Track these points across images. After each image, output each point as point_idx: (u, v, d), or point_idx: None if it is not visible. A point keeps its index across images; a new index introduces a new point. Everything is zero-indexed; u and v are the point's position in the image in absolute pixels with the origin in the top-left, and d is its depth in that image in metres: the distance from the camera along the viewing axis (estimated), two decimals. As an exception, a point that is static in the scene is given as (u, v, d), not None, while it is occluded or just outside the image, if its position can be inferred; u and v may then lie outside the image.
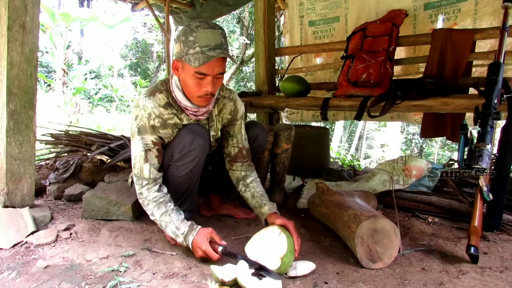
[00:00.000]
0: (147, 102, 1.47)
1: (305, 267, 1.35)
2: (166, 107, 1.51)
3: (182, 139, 1.51)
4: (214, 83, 1.42)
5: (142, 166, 1.49)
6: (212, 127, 1.68)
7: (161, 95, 1.50)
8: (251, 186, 1.69)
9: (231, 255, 1.39)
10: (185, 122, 1.57)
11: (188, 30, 1.38)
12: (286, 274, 1.34)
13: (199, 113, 1.56)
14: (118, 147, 2.55)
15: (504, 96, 1.67)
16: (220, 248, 1.40)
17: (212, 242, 1.42)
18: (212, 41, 1.36)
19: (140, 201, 1.53)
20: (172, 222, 1.45)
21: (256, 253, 1.37)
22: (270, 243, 1.38)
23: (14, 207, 1.71)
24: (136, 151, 1.50)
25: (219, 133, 1.74)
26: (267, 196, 1.67)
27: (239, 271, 1.21)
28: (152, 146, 1.50)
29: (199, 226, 1.45)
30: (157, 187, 1.51)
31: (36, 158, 2.17)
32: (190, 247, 1.43)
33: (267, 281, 1.20)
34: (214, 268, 1.24)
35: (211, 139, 1.70)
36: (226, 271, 1.23)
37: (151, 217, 1.51)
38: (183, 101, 1.51)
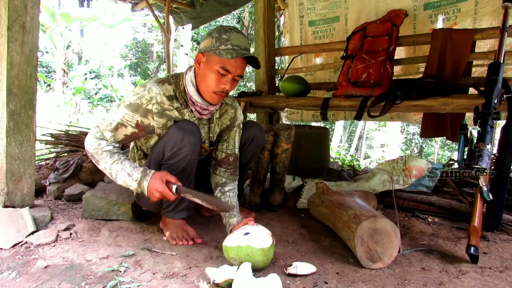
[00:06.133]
0: (154, 87, 1.49)
1: (305, 267, 1.35)
2: (170, 99, 1.52)
3: (172, 137, 1.50)
4: (231, 83, 1.49)
5: (105, 131, 1.48)
6: (211, 129, 1.69)
7: (169, 86, 1.53)
8: (227, 195, 1.67)
9: (187, 192, 1.41)
10: (186, 117, 1.58)
11: (222, 29, 1.47)
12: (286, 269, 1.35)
13: (206, 111, 1.59)
14: (118, 147, 2.55)
15: (504, 96, 1.67)
16: (174, 187, 1.40)
17: (168, 183, 1.42)
18: (243, 44, 1.47)
19: (92, 151, 1.47)
20: (124, 169, 1.44)
21: (245, 234, 1.38)
22: (253, 229, 1.42)
23: (14, 207, 1.71)
24: (111, 118, 1.49)
25: (215, 137, 1.74)
26: (238, 209, 1.67)
27: (238, 275, 1.21)
28: (134, 126, 1.49)
29: (153, 171, 1.45)
30: (112, 147, 1.49)
31: (36, 158, 2.16)
32: (146, 192, 1.42)
33: (265, 282, 1.20)
34: (208, 270, 1.25)
35: (206, 142, 1.70)
36: (220, 273, 1.23)
37: (102, 166, 1.47)
38: (194, 96, 1.54)
